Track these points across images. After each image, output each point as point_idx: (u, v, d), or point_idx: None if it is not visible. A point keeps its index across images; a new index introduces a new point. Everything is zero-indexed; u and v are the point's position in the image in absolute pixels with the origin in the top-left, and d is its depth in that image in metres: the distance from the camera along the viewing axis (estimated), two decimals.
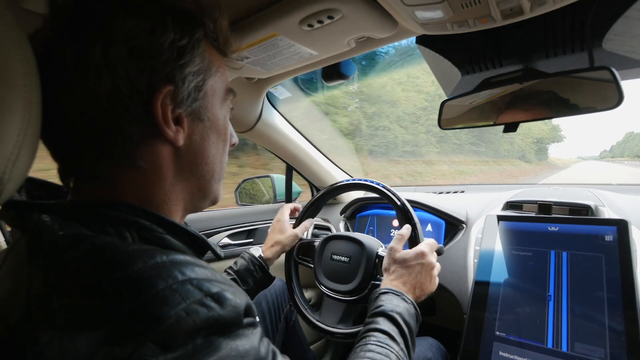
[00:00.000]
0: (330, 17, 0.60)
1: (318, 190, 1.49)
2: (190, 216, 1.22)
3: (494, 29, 0.58)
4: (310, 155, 1.34)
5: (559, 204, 0.87)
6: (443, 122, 0.83)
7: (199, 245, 0.42)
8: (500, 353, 0.70)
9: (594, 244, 0.73)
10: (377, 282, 0.81)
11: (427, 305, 1.09)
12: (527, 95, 0.69)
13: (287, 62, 0.79)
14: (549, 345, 0.67)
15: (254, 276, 0.84)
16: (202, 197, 0.46)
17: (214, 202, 0.48)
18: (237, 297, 0.33)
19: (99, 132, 0.36)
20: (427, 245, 0.72)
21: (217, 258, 0.49)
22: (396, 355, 0.52)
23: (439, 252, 0.76)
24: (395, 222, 1.19)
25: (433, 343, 0.86)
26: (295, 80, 1.30)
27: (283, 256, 0.97)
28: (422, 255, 0.69)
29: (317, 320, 0.87)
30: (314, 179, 1.44)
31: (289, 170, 1.46)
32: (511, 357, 0.69)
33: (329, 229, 1.34)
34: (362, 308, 0.88)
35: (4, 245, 0.85)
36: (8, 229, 0.87)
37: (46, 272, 0.31)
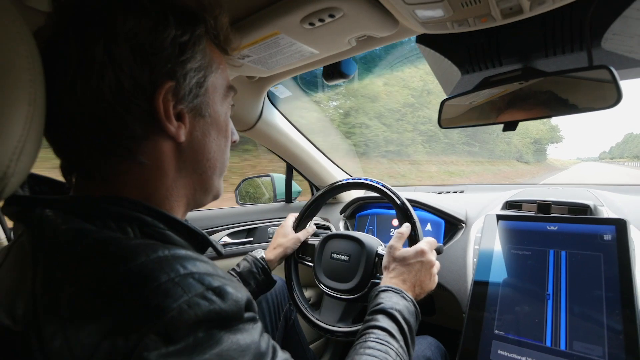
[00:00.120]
0: (331, 16, 0.60)
1: (318, 189, 1.49)
2: (191, 214, 1.22)
3: (493, 28, 0.59)
4: (310, 154, 1.34)
5: (558, 203, 0.87)
6: (443, 122, 0.83)
7: (199, 242, 0.42)
8: (499, 352, 0.70)
9: (592, 243, 0.73)
10: (377, 281, 0.81)
11: (427, 305, 1.09)
12: (526, 94, 0.70)
13: (288, 60, 0.80)
14: (548, 343, 0.67)
15: (256, 278, 0.85)
16: (204, 192, 0.46)
17: (215, 197, 0.48)
18: (238, 291, 0.33)
19: (101, 128, 0.36)
20: (427, 243, 0.72)
21: (218, 254, 0.50)
22: (396, 352, 0.53)
23: (438, 251, 0.76)
24: (395, 222, 1.19)
25: (432, 342, 0.86)
26: (295, 79, 1.30)
27: None
28: (421, 253, 0.69)
29: (317, 319, 0.87)
30: (314, 179, 1.45)
31: (289, 170, 1.46)
32: (510, 355, 0.69)
33: (328, 228, 1.34)
34: (361, 307, 0.88)
35: (5, 242, 0.85)
36: (10, 225, 0.87)
37: (50, 265, 0.31)
